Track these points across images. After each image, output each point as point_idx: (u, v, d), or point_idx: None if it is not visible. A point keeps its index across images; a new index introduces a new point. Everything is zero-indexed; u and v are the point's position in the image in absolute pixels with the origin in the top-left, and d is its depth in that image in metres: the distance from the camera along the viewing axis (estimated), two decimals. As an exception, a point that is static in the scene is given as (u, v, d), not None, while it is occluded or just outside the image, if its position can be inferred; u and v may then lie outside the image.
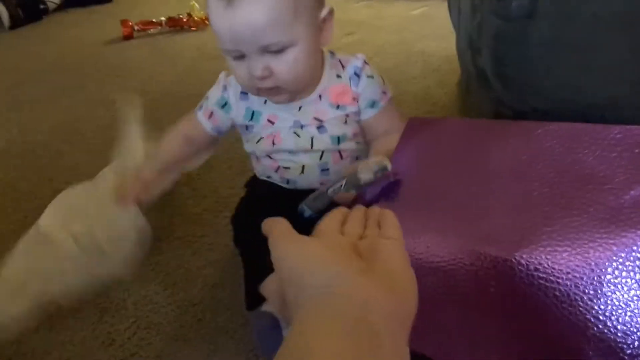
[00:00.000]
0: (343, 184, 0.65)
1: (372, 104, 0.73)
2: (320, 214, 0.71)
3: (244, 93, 0.74)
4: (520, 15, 0.61)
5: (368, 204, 0.66)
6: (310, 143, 0.72)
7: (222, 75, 0.77)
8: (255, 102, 0.73)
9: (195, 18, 1.91)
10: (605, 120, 0.56)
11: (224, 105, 0.76)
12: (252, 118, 0.73)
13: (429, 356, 0.58)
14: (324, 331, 0.30)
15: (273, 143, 0.73)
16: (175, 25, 1.92)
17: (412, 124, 0.68)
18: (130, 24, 1.90)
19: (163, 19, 1.93)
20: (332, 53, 0.74)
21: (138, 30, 1.92)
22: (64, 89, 1.54)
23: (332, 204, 0.70)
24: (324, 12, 0.66)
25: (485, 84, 0.72)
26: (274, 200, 0.74)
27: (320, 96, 0.72)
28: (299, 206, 0.69)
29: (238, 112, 0.74)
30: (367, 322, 0.31)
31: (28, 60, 1.82)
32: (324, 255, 0.37)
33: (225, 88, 0.75)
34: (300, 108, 0.72)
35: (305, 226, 0.70)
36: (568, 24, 0.61)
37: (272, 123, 0.73)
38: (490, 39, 0.66)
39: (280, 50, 0.63)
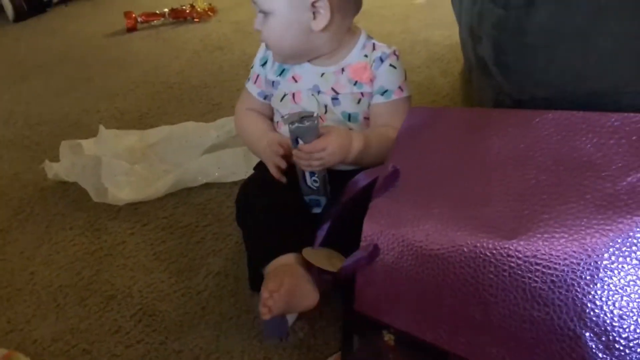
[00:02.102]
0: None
1: (384, 92, 0.76)
2: (317, 202, 0.73)
3: None
4: (520, 4, 0.61)
5: (366, 193, 0.67)
6: (324, 109, 0.77)
7: None
8: None
9: (199, 9, 1.91)
10: (606, 108, 0.56)
11: (265, 63, 0.82)
12: (280, 74, 0.80)
13: (430, 342, 0.59)
14: None
15: (294, 100, 0.79)
16: (178, 16, 1.92)
17: (413, 113, 0.69)
18: (134, 15, 1.90)
19: (166, 10, 1.92)
20: (369, 37, 0.80)
21: (141, 22, 1.91)
22: (70, 82, 1.55)
23: (330, 183, 0.72)
24: None
25: (486, 72, 0.72)
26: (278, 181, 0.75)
27: (342, 70, 0.77)
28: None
29: (272, 67, 0.82)
30: None
31: (33, 53, 1.83)
32: None
33: (267, 47, 0.82)
34: (322, 74, 0.78)
35: (314, 219, 0.72)
36: (567, 12, 0.62)
37: (295, 81, 0.79)
38: (490, 27, 0.66)
39: (264, 13, 0.74)
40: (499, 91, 0.72)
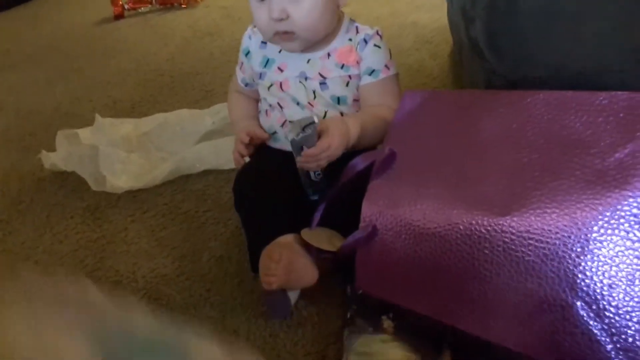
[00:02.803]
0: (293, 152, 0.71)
1: (371, 72, 0.77)
2: (321, 192, 0.75)
3: (264, 43, 0.81)
4: (511, -14, 0.63)
5: (363, 176, 0.69)
6: (313, 95, 0.78)
7: (248, 28, 0.84)
8: (271, 51, 0.81)
9: (186, -5, 1.90)
10: (595, 87, 0.58)
11: (247, 53, 0.83)
12: (266, 65, 0.81)
13: (430, 316, 0.62)
14: None
15: (282, 89, 0.79)
16: (165, 2, 1.91)
17: (408, 97, 0.71)
18: (121, 2, 1.88)
19: (153, -4, 1.91)
20: (352, 20, 0.80)
21: (128, 9, 1.90)
22: (60, 71, 1.54)
23: (330, 182, 0.73)
24: None
25: (478, 54, 0.74)
26: (276, 166, 0.77)
27: (328, 54, 0.78)
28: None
29: (256, 59, 0.82)
30: None
31: (20, 43, 1.81)
32: None
33: (249, 37, 0.83)
34: (308, 61, 0.78)
35: (311, 204, 0.73)
36: (557, -6, 0.63)
37: (282, 71, 0.80)
38: (483, 10, 0.68)
39: None
40: (491, 72, 0.74)
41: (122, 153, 1.03)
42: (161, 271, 0.81)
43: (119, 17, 1.88)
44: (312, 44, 0.77)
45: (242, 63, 0.85)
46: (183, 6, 1.90)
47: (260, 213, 0.73)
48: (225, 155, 0.99)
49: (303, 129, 0.68)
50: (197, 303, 0.75)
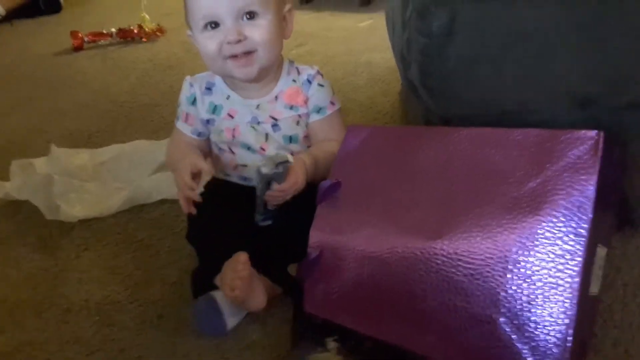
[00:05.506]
0: (257, 182, 0.74)
1: (319, 110, 0.82)
2: (274, 219, 0.79)
3: (208, 88, 0.82)
4: (440, 34, 0.70)
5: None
6: (265, 138, 0.81)
7: (186, 78, 0.85)
8: (218, 97, 0.82)
9: (146, 29, 1.93)
10: (517, 124, 0.65)
11: (193, 101, 0.83)
12: (214, 111, 0.82)
13: (374, 336, 0.66)
14: None
15: (233, 136, 0.81)
16: (126, 36, 1.93)
17: (351, 132, 0.76)
18: (80, 35, 1.90)
19: (113, 30, 1.93)
20: (291, 62, 0.84)
21: (88, 42, 1.92)
22: (16, 101, 1.54)
23: (282, 208, 0.77)
24: (287, 7, 0.78)
25: (416, 94, 0.81)
26: (231, 199, 0.80)
27: (276, 97, 0.81)
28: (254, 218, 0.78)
29: (202, 106, 0.82)
30: None
31: (-24, 73, 1.80)
32: None
33: (191, 85, 0.83)
34: (258, 106, 0.81)
35: (262, 230, 0.77)
36: (481, 41, 0.71)
37: (232, 117, 0.81)
38: (417, 54, 0.74)
39: (252, 17, 0.74)
40: (428, 111, 0.81)
41: (76, 182, 1.04)
42: (114, 298, 0.82)
43: (78, 49, 1.90)
44: (263, 76, 0.79)
45: (186, 115, 0.83)
46: (144, 40, 1.93)
47: (214, 245, 0.75)
48: (181, 184, 1.02)
49: (277, 165, 0.71)
50: (149, 329, 0.76)
